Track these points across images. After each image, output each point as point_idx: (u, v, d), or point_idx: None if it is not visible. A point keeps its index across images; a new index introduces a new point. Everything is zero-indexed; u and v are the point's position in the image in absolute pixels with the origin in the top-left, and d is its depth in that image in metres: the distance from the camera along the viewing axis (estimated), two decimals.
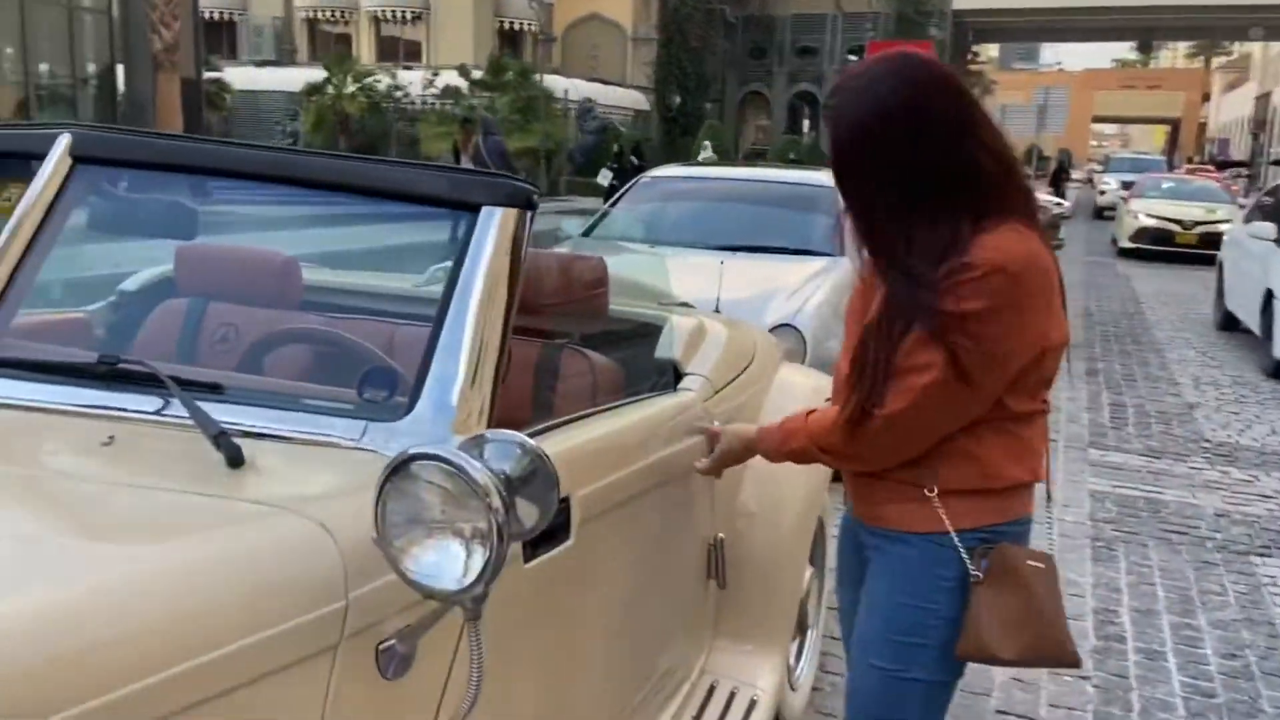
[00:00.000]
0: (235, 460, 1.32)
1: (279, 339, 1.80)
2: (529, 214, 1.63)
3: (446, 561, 1.15)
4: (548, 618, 1.62)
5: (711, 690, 2.26)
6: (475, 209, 1.60)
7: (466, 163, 13.28)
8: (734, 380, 2.39)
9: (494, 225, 1.59)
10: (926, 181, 1.49)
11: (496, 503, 1.13)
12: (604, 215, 6.24)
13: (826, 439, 1.63)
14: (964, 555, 1.58)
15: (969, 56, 46.33)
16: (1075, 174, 39.52)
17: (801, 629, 2.71)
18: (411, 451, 1.15)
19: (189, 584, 1.09)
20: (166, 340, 2.10)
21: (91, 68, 17.76)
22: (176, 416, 1.41)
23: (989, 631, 1.57)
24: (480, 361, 1.50)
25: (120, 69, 16.56)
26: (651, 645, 2.09)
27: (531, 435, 1.62)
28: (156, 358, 1.99)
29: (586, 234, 5.85)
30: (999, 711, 2.93)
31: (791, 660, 2.65)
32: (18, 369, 1.47)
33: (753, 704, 2.27)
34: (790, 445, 1.70)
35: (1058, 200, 21.73)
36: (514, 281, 1.60)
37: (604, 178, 16.68)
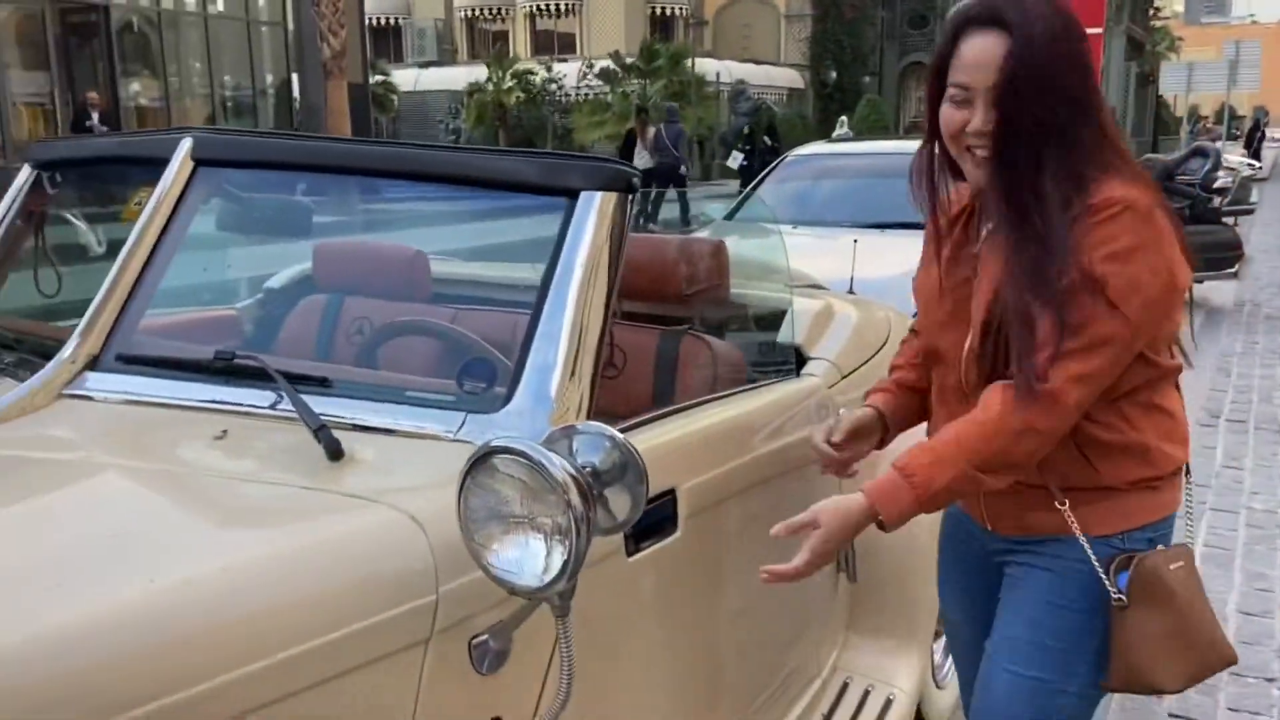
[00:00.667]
0: (335, 453, 1.33)
1: (387, 332, 1.82)
2: (630, 197, 1.59)
3: (527, 557, 1.13)
4: (654, 613, 1.58)
5: (844, 688, 2.17)
6: (574, 194, 1.57)
7: (643, 150, 13.64)
8: (863, 365, 2.28)
9: (593, 210, 1.55)
10: (1073, 124, 1.37)
11: (576, 499, 1.09)
12: (747, 197, 6.14)
13: (995, 444, 1.36)
14: (1116, 564, 1.43)
15: (1151, 11, 43.29)
16: (1274, 133, 36.40)
17: None
18: (492, 445, 1.13)
19: (281, 576, 1.11)
20: (307, 334, 2.17)
21: (270, 78, 18.88)
22: (287, 411, 1.44)
23: (1147, 660, 1.42)
24: (580, 350, 1.47)
25: (295, 78, 17.50)
26: (774, 643, 2.02)
27: (642, 424, 1.58)
28: (298, 352, 2.07)
29: (729, 217, 5.77)
30: (1172, 715, 2.71)
31: (939, 657, 2.53)
32: (142, 365, 1.53)
33: (889, 703, 2.17)
34: (938, 483, 1.37)
35: (1250, 162, 20.07)
36: (614, 267, 1.56)
37: (734, 160, 16.13)
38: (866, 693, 2.15)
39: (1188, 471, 1.54)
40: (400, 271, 2.05)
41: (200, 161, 1.68)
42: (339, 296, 2.11)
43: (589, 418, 1.45)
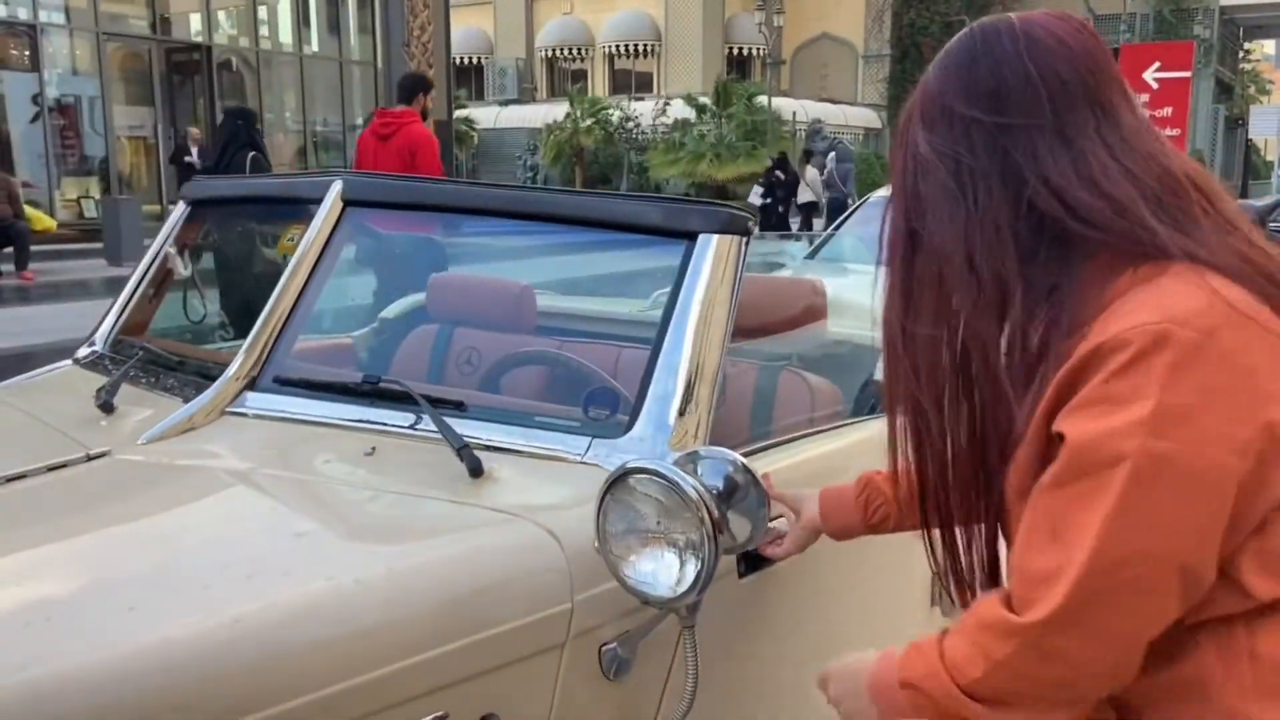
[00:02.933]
0: (476, 471, 1.45)
1: (513, 361, 1.95)
2: (744, 240, 1.70)
3: (662, 570, 1.23)
4: (761, 633, 1.66)
5: None
6: (693, 236, 1.68)
7: (805, 186, 15.59)
8: None
9: (710, 251, 1.66)
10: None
11: (708, 516, 1.19)
12: (828, 238, 6.22)
13: (967, 670, 0.96)
14: None
15: (1241, 54, 42.45)
16: None
17: None
18: (630, 465, 1.24)
19: (438, 581, 1.23)
20: (419, 362, 2.31)
21: (359, 116, 19.53)
22: (427, 430, 1.57)
23: None
24: (697, 382, 1.58)
25: None
26: (880, 633, 2.08)
27: (747, 455, 1.68)
28: (410, 378, 2.17)
29: (810, 256, 5.85)
30: None
31: None
32: (297, 387, 1.68)
33: None
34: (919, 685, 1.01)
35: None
36: (730, 305, 1.66)
37: (755, 195, 15.94)
38: None
39: None
40: (509, 304, 2.17)
41: (349, 202, 1.84)
42: (449, 327, 2.24)
43: (705, 445, 1.55)
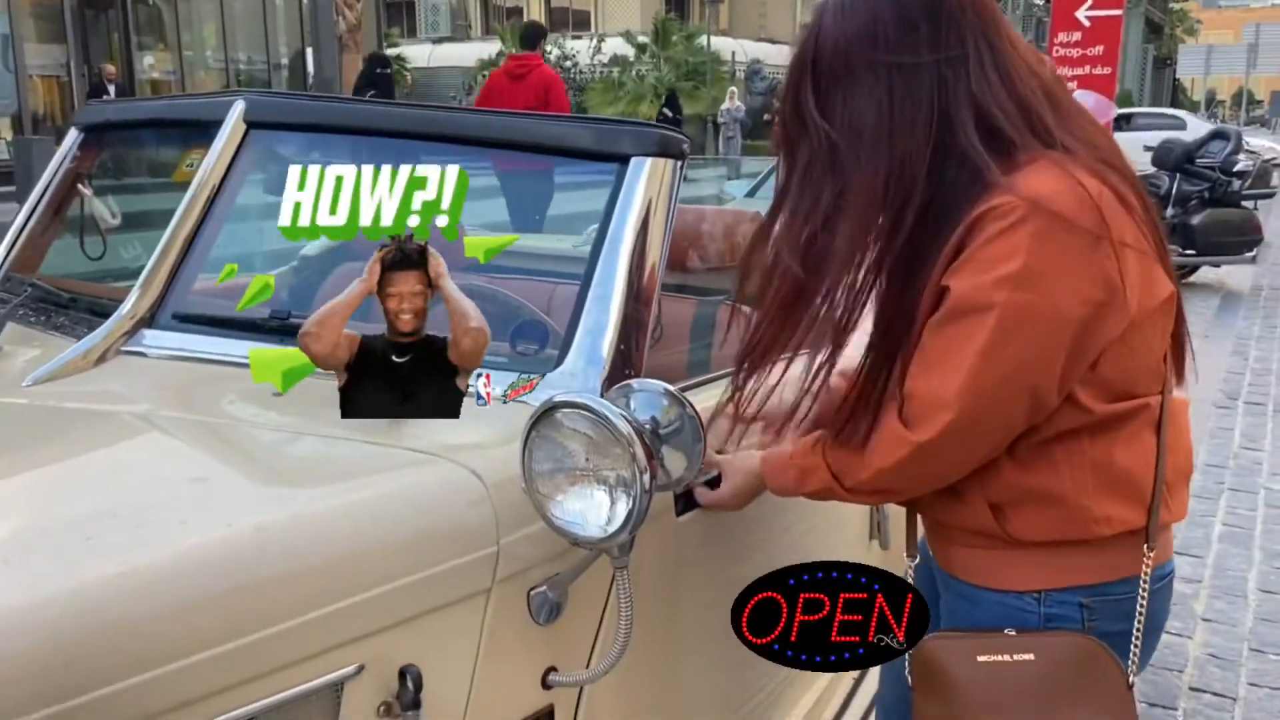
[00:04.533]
0: None
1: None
2: (679, 164, 1.61)
3: (591, 509, 1.15)
4: (698, 574, 1.60)
5: None
6: (625, 159, 1.59)
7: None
8: None
9: (643, 175, 1.57)
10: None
11: (640, 451, 1.12)
12: (769, 174, 6.14)
13: (854, 474, 1.20)
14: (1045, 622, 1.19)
15: None
16: None
17: None
18: (556, 399, 1.16)
19: (349, 527, 1.14)
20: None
21: (284, 52, 18.84)
22: None
23: None
24: (630, 313, 1.49)
25: (309, 51, 17.48)
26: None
27: (683, 390, 1.61)
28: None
29: (751, 194, 5.77)
30: (1193, 689, 2.74)
31: None
32: (199, 324, 1.56)
33: None
34: (809, 486, 1.27)
35: (1270, 145, 19.95)
36: (665, 232, 1.58)
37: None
38: None
39: (1150, 544, 1.19)
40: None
41: (253, 124, 1.70)
42: None
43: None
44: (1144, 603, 1.19)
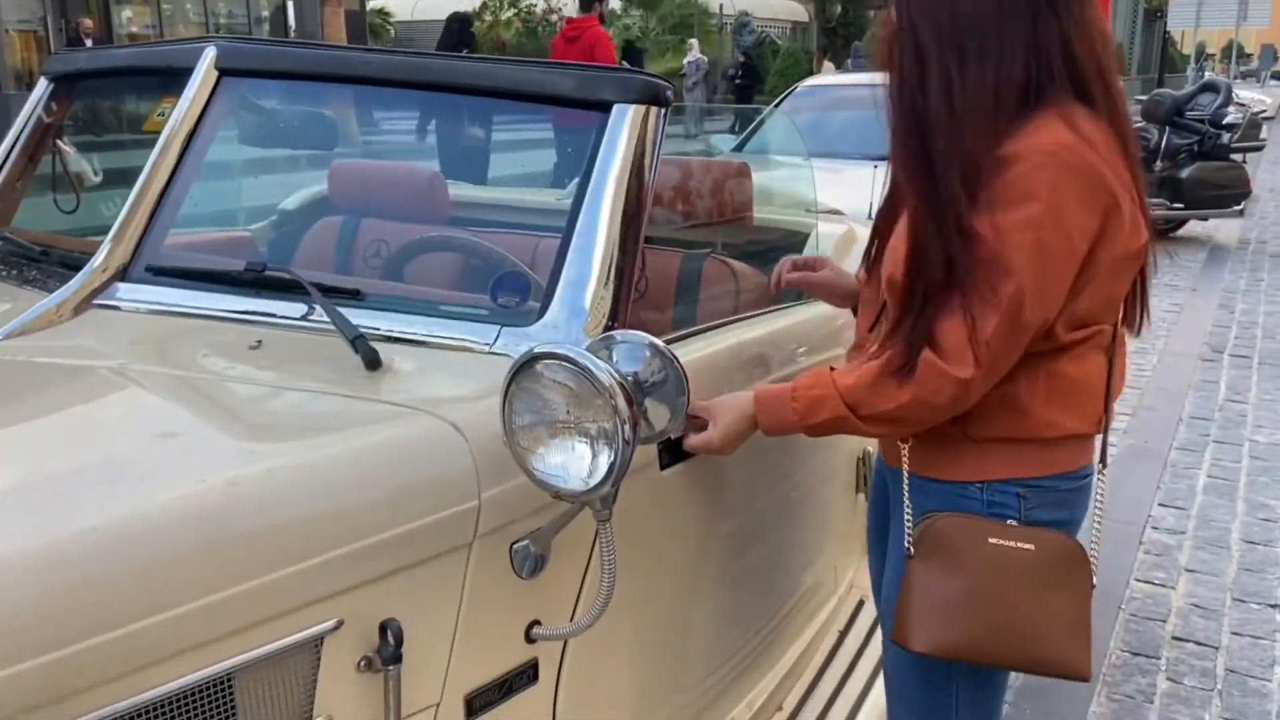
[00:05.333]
0: (373, 363, 1.33)
1: (417, 248, 1.81)
2: (662, 111, 1.57)
3: (573, 461, 1.13)
4: (685, 525, 1.60)
5: (861, 605, 2.20)
6: (608, 107, 1.55)
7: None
8: None
9: (625, 123, 1.54)
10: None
11: (622, 403, 1.09)
12: (757, 127, 6.07)
13: (876, 403, 1.30)
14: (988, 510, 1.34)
15: None
16: None
17: None
18: (537, 351, 1.13)
19: (327, 481, 1.12)
20: (323, 256, 2.16)
21: (264, 5, 18.51)
22: (319, 322, 1.44)
23: (916, 617, 1.33)
24: (613, 264, 1.47)
25: (290, 5, 17.17)
26: (797, 558, 2.05)
27: (670, 342, 1.59)
28: (314, 272, 2.09)
29: (738, 149, 5.71)
30: (1175, 638, 2.76)
31: None
32: (172, 276, 1.52)
33: None
34: (816, 417, 1.35)
35: (1260, 98, 19.87)
36: (648, 182, 1.54)
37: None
38: None
39: (1104, 462, 1.41)
40: (418, 193, 2.03)
41: (225, 71, 1.65)
42: (355, 218, 2.09)
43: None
44: (1102, 496, 1.41)
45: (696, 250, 2.20)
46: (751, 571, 1.86)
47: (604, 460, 1.12)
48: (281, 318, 1.47)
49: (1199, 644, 2.74)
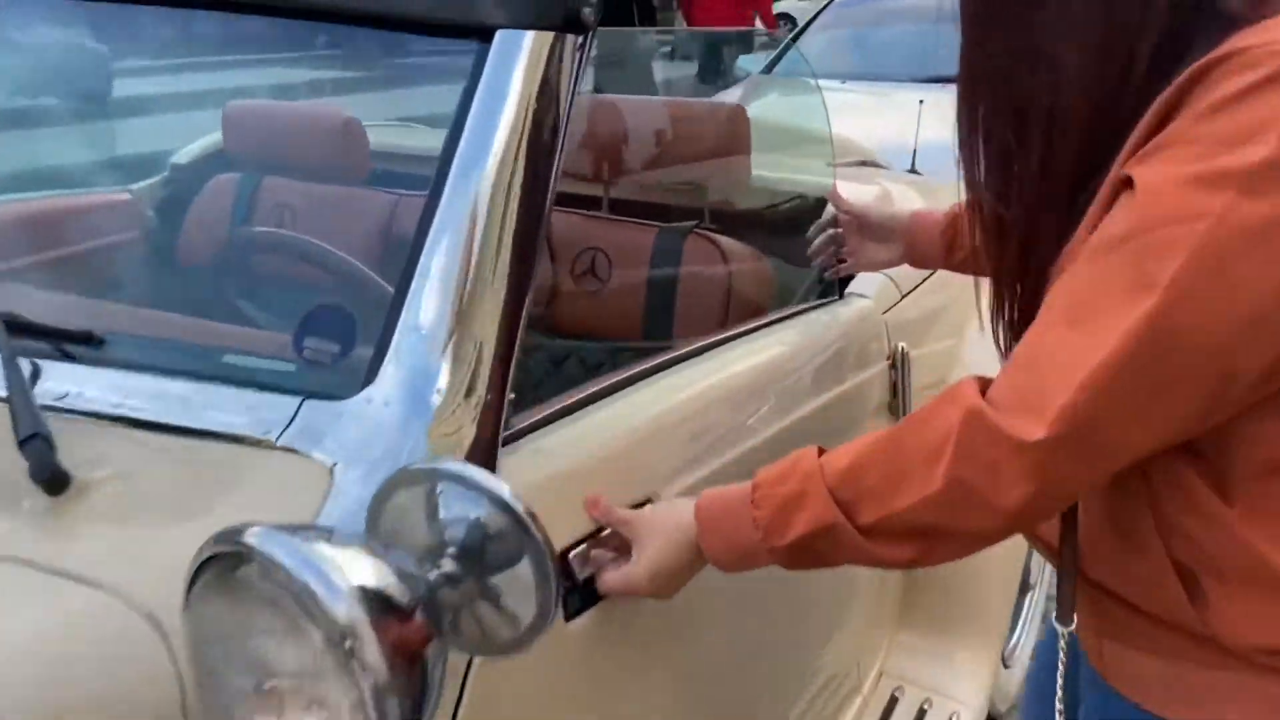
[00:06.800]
0: (56, 481, 0.79)
1: (243, 253, 1.28)
2: (580, 40, 0.99)
3: None
4: (613, 690, 1.04)
5: (893, 703, 1.65)
6: (487, 34, 0.97)
7: None
8: (929, 278, 1.68)
9: (519, 60, 0.96)
10: None
11: (375, 657, 0.54)
12: (787, 47, 5.38)
13: (887, 501, 0.75)
14: None
15: None
16: None
17: (1021, 590, 2.06)
18: (242, 537, 0.58)
19: None
20: (216, 226, 1.68)
21: None
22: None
23: None
24: (486, 292, 0.90)
25: None
26: (809, 644, 1.50)
27: (659, 366, 1.05)
28: (205, 247, 1.61)
29: (767, 71, 5.03)
30: None
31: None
32: None
33: None
34: (791, 532, 0.80)
35: None
36: (557, 148, 0.97)
37: None
38: (923, 711, 1.64)
39: None
40: (331, 143, 1.51)
41: None
42: (255, 176, 1.67)
43: (506, 412, 0.89)
44: None
45: (673, 225, 1.64)
46: (751, 664, 1.30)
47: None
48: None
49: None
